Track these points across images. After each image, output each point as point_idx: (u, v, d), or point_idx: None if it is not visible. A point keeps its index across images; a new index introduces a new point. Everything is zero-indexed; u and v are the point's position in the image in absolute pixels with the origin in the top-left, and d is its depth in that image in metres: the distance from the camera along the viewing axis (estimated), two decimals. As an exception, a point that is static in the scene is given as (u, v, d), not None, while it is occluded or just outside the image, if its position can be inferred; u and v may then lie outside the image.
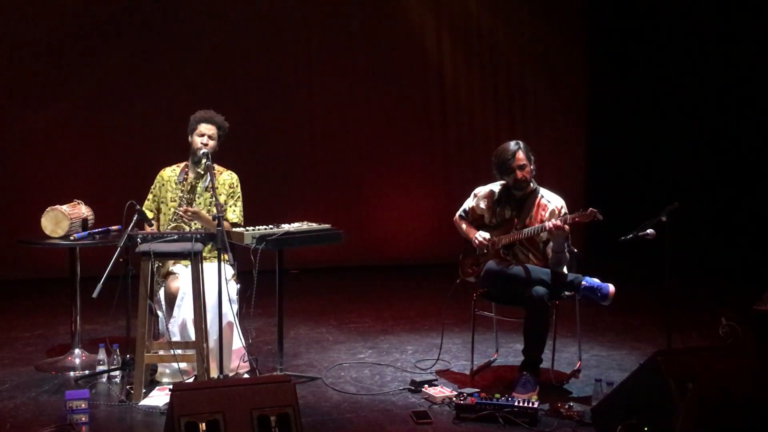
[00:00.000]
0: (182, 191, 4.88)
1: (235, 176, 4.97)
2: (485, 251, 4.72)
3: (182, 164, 5.00)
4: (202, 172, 4.84)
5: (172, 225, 4.77)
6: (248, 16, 8.28)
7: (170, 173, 4.98)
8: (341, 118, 8.66)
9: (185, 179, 4.91)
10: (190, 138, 4.89)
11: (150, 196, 4.97)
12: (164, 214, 4.90)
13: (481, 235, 4.69)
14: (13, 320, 6.25)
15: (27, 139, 7.85)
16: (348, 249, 7.06)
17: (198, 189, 4.90)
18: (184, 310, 4.59)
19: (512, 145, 4.64)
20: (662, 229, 4.41)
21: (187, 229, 4.74)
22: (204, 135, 4.84)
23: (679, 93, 8.78)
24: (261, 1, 8.35)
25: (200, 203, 4.87)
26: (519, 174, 4.60)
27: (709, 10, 8.42)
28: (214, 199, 4.55)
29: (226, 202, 4.89)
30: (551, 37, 9.15)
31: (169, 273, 4.78)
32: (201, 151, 4.75)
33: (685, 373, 3.42)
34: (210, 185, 4.69)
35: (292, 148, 8.52)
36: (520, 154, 4.60)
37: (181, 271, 4.76)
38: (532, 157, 4.65)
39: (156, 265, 4.53)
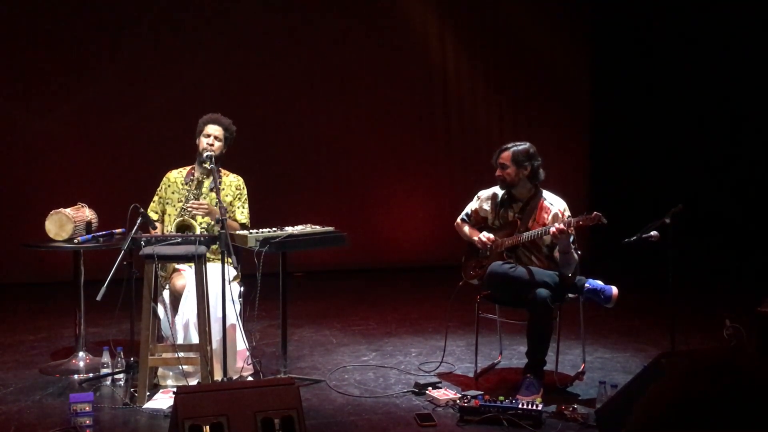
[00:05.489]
0: (188, 190, 4.90)
1: (240, 179, 5.04)
2: (488, 253, 4.73)
3: (189, 167, 5.03)
4: (208, 168, 4.86)
5: (178, 220, 4.78)
6: (252, 20, 8.30)
7: (176, 175, 5.01)
8: (345, 121, 8.67)
9: (192, 180, 4.93)
10: (197, 140, 4.92)
11: (156, 198, 5.00)
12: (169, 215, 4.91)
13: (485, 236, 4.70)
14: (18, 323, 6.26)
15: (31, 143, 7.87)
16: (351, 252, 7.03)
17: (204, 186, 4.92)
18: (188, 308, 4.60)
19: (509, 144, 4.74)
20: (666, 231, 4.40)
21: (193, 223, 4.76)
22: (210, 136, 4.87)
23: (682, 95, 8.79)
24: (264, 5, 8.36)
25: (207, 202, 4.88)
26: (498, 172, 4.70)
27: (711, 14, 8.43)
28: (218, 201, 4.56)
29: (233, 204, 4.94)
30: (555, 41, 9.17)
31: (175, 270, 4.80)
32: (205, 154, 4.78)
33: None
34: (215, 186, 4.72)
35: (296, 151, 8.53)
36: (504, 154, 4.68)
37: (187, 268, 4.78)
38: (527, 163, 4.63)
39: (160, 264, 4.55)
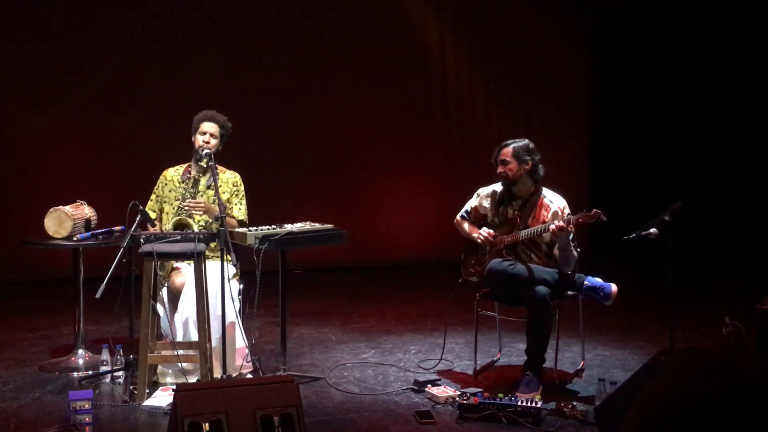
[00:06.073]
0: (185, 188, 4.90)
1: (237, 175, 5.02)
2: (487, 249, 4.73)
3: (185, 165, 5.03)
4: (205, 166, 4.86)
5: (176, 219, 4.78)
6: (252, 17, 8.29)
7: (173, 173, 5.01)
8: (344, 118, 8.67)
9: (188, 178, 4.93)
10: (193, 138, 4.91)
11: (153, 197, 5.00)
12: (167, 213, 4.91)
13: (486, 231, 4.70)
14: (17, 321, 6.26)
15: (30, 140, 7.86)
16: (351, 249, 7.06)
17: (201, 184, 4.91)
18: (188, 305, 4.60)
19: (507, 141, 4.75)
20: (665, 228, 4.40)
21: (190, 221, 4.76)
22: (206, 133, 4.86)
23: (682, 92, 8.79)
24: (264, 4, 8.35)
25: (204, 200, 4.88)
26: (499, 168, 4.71)
27: (711, 13, 8.43)
28: (216, 198, 4.56)
29: (230, 201, 4.93)
30: (554, 40, 9.16)
31: (174, 268, 4.80)
32: (203, 151, 4.78)
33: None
34: (213, 184, 4.71)
35: (295, 149, 8.53)
36: (505, 150, 4.70)
37: (185, 266, 4.78)
38: (528, 158, 4.65)
39: (159, 262, 4.55)
